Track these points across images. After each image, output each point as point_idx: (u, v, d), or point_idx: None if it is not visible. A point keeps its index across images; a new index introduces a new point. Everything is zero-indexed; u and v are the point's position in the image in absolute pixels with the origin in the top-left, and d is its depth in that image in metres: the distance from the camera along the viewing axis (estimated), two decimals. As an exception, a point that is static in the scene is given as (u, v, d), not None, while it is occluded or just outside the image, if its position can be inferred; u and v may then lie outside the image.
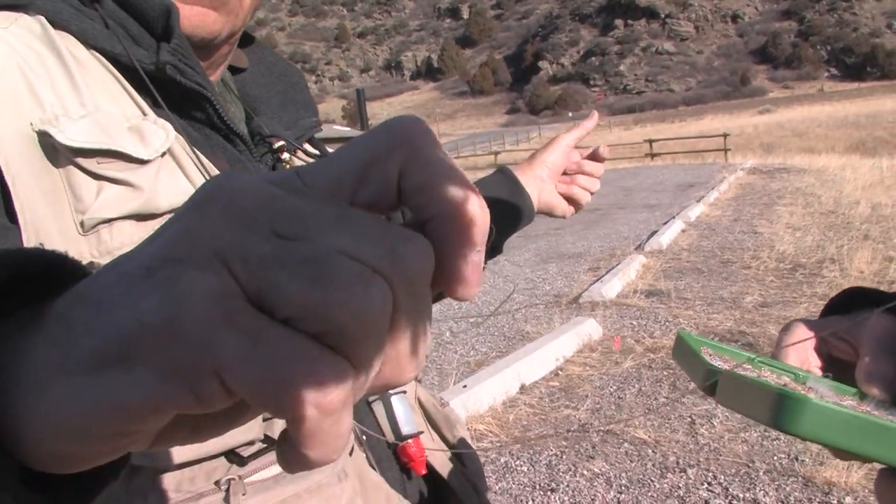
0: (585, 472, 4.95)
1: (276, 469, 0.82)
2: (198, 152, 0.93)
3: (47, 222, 0.79)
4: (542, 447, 5.36)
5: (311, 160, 1.14)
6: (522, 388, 6.37)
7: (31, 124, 0.79)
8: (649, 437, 5.34)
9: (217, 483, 0.78)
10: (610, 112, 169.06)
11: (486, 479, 4.99)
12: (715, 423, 5.45)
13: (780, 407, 0.54)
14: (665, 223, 14.52)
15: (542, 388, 6.44)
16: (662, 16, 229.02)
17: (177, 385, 0.35)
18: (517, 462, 5.18)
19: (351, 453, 0.93)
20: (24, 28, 0.88)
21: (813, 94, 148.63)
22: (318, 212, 0.37)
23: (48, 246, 0.77)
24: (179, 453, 0.77)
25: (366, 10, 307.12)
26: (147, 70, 0.91)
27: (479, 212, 0.39)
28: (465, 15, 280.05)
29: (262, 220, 0.36)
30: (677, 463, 4.95)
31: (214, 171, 0.93)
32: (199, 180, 0.89)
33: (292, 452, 0.38)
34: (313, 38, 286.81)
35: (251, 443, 0.82)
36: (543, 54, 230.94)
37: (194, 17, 0.98)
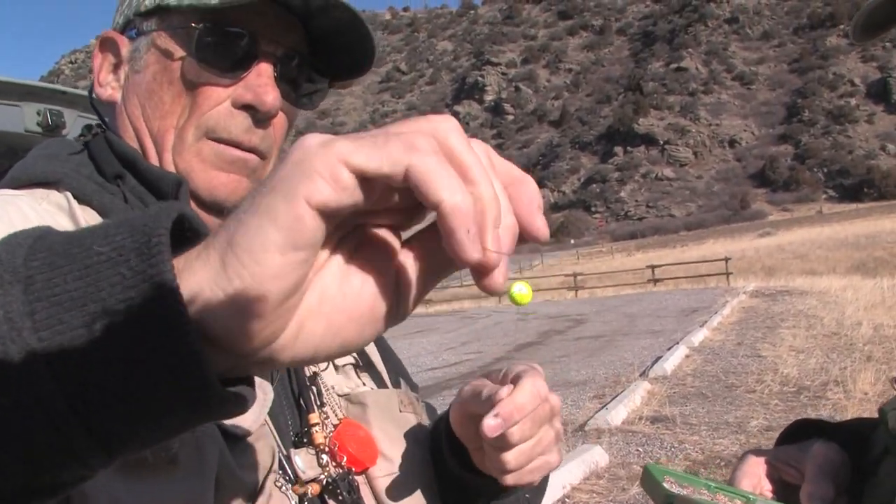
0: None
1: None
2: None
3: None
4: (551, 578, 5.35)
5: None
6: (530, 518, 6.36)
7: None
8: (657, 565, 5.34)
9: None
10: (612, 238, 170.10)
11: None
12: (723, 551, 5.45)
13: None
14: (669, 349, 14.60)
15: (550, 517, 6.43)
16: (661, 142, 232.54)
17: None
18: None
19: None
20: (54, 204, 1.04)
21: (812, 216, 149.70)
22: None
23: None
24: None
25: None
26: None
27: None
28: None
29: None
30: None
31: None
32: None
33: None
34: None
35: None
36: (545, 182, 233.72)
37: (230, 184, 1.14)
